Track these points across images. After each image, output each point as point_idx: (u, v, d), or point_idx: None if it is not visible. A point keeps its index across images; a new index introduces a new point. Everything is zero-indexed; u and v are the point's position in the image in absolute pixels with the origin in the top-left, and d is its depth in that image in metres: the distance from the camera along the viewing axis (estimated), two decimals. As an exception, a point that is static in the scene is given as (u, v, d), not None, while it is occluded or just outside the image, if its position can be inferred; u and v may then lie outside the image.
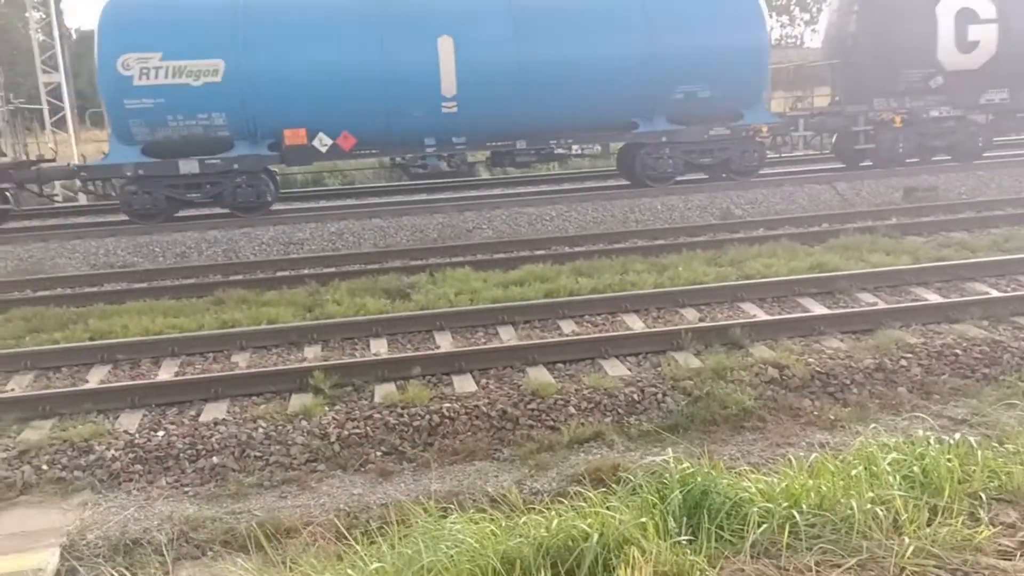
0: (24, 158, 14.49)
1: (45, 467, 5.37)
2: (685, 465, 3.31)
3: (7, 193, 13.42)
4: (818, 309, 7.74)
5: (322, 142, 13.00)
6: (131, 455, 5.50)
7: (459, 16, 13.10)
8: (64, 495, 5.18)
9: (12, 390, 6.61)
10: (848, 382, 6.18)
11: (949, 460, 3.37)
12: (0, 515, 4.96)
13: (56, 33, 17.99)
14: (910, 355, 6.42)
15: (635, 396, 6.02)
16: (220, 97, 12.48)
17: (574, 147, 14.08)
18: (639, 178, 14.36)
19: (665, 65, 13.42)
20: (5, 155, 14.47)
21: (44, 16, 18.70)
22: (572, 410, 5.89)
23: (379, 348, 7.24)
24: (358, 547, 3.07)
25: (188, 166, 12.73)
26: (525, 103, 13.13)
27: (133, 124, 12.54)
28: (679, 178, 14.49)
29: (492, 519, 3.12)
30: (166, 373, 6.89)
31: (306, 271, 10.25)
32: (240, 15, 12.65)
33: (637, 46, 13.40)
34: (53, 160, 14.15)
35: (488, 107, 13.07)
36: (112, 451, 5.50)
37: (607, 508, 3.02)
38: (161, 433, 5.71)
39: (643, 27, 13.48)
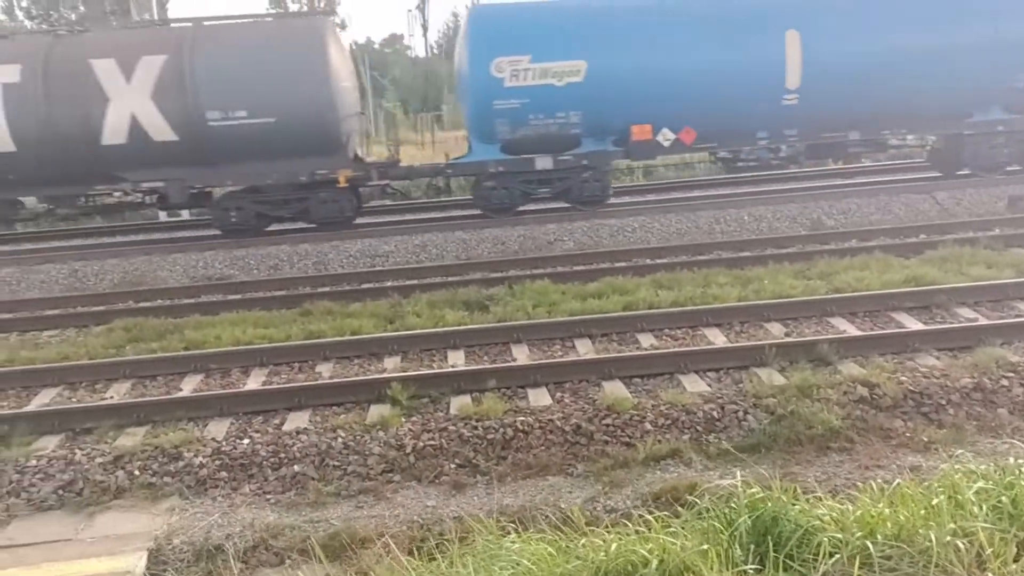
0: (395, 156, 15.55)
1: (137, 472, 5.63)
2: (754, 490, 3.20)
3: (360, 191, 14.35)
4: (913, 324, 7.40)
5: (665, 137, 13.60)
6: (217, 462, 5.70)
7: (806, 10, 13.51)
8: (154, 500, 5.41)
9: (111, 397, 6.97)
10: (944, 402, 5.87)
11: (1042, 491, 3.15)
12: (94, 518, 5.23)
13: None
14: (1012, 374, 6.05)
15: (715, 413, 5.87)
16: (579, 97, 13.19)
17: (908, 137, 14.54)
18: (969, 167, 14.40)
19: (1007, 52, 13.41)
20: (392, 153, 15.55)
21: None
22: (648, 426, 5.79)
23: (456, 360, 7.30)
24: (418, 563, 3.08)
25: (543, 162, 13.65)
26: (864, 93, 13.41)
27: (498, 124, 13.40)
28: (1008, 168, 14.46)
29: (552, 540, 3.08)
30: (254, 382, 7.13)
31: (389, 283, 10.44)
32: (601, 18, 13.44)
33: (980, 34, 13.45)
34: (399, 161, 15.24)
35: (828, 99, 13.39)
36: (200, 458, 5.72)
37: (671, 533, 2.94)
38: (246, 441, 5.90)
39: (986, 14, 13.51)
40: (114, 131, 12.58)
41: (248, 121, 12.71)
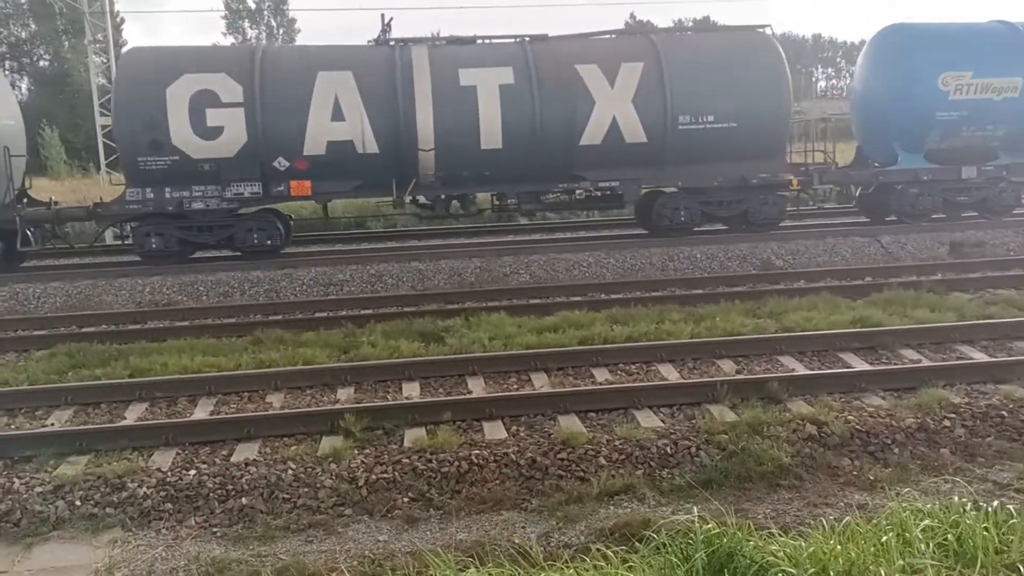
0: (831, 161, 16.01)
1: (79, 503, 5.43)
2: (711, 525, 3.22)
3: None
4: (859, 365, 7.58)
5: None
6: (162, 493, 5.53)
7: None
8: (95, 531, 5.22)
9: (52, 425, 6.75)
10: (889, 441, 5.99)
11: (986, 529, 3.23)
12: (32, 549, 5.03)
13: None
14: (954, 415, 6.22)
15: (668, 449, 5.90)
16: (1012, 111, 14.63)
17: None
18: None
19: None
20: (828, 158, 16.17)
21: (104, 61, 19.50)
22: (603, 461, 5.79)
23: (411, 392, 7.25)
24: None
25: (968, 172, 14.94)
26: None
27: (932, 134, 14.78)
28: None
29: (511, 574, 3.06)
30: (201, 412, 6.98)
31: (344, 312, 10.36)
32: None
33: None
34: (834, 164, 15.78)
35: None
36: (144, 489, 5.54)
37: (628, 568, 2.95)
38: (193, 472, 5.75)
39: None
40: (593, 132, 13.58)
41: (714, 126, 13.77)
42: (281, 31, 58.02)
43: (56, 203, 14.49)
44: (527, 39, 13.93)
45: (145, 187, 13.07)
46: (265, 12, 59.07)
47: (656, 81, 13.56)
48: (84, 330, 9.99)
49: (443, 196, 14.01)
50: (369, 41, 14.28)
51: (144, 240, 13.36)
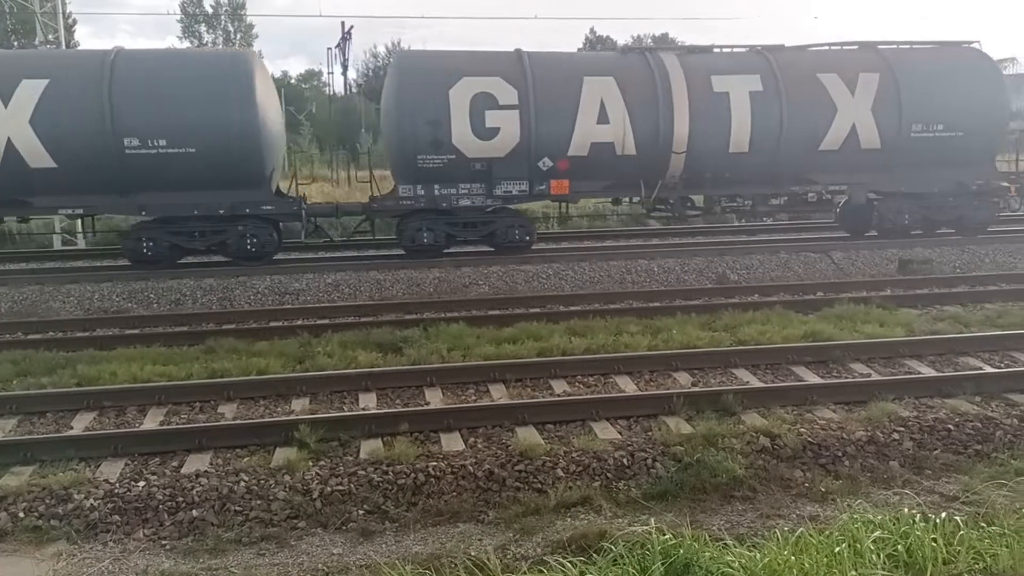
0: None
1: (22, 514, 5.26)
2: (667, 536, 3.24)
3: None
4: (811, 378, 7.72)
5: None
6: (110, 505, 5.39)
7: None
8: (39, 544, 5.06)
9: (-6, 434, 6.54)
10: (840, 454, 6.10)
11: (934, 540, 3.31)
12: (-29, 563, 4.86)
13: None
14: (902, 429, 6.36)
15: (625, 460, 5.93)
16: None
17: None
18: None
19: None
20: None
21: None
22: (560, 473, 5.80)
23: (368, 402, 7.18)
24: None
25: None
26: None
27: None
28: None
29: (468, 587, 3.04)
30: (151, 422, 6.82)
31: (299, 322, 10.23)
32: None
33: None
34: None
35: None
36: (91, 500, 5.40)
37: (586, 579, 2.95)
38: (142, 483, 5.61)
39: None
40: (833, 138, 14.21)
41: (943, 134, 14.54)
42: (239, 36, 57.35)
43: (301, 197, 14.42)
44: (763, 48, 14.75)
45: (417, 184, 13.68)
46: (222, 17, 58.35)
47: (892, 91, 14.30)
48: (30, 337, 9.72)
49: (682, 198, 14.89)
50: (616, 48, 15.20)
51: (415, 235, 13.90)
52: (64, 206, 13.13)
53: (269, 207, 13.48)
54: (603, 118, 13.62)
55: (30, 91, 12.21)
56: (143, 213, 13.18)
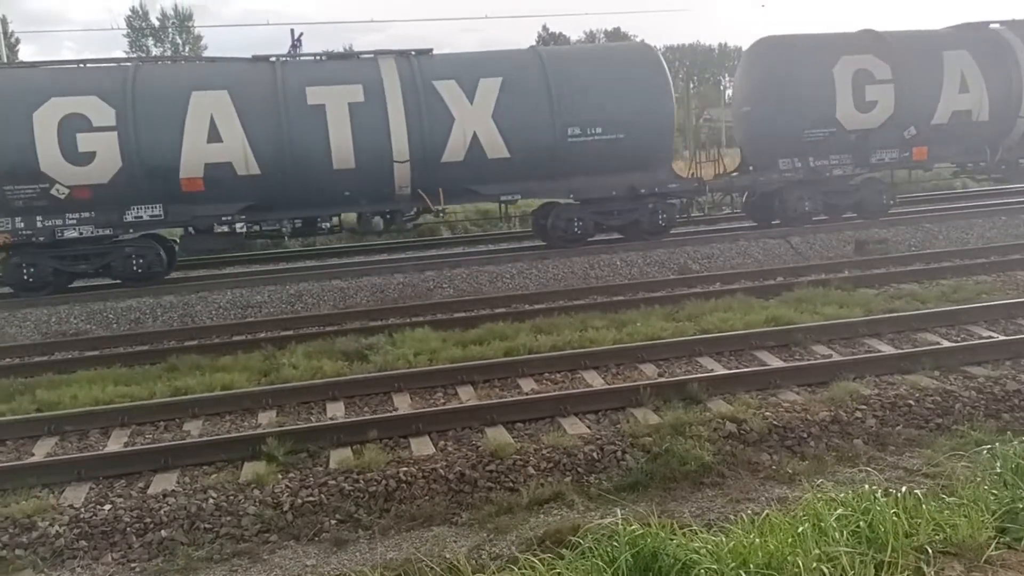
0: None
1: (-16, 546, 5.16)
2: (634, 527, 3.27)
3: None
4: (774, 362, 7.83)
5: None
6: (76, 531, 5.30)
7: None
8: (4, 574, 4.96)
9: (-48, 466, 6.38)
10: (805, 435, 6.20)
11: (895, 514, 3.38)
12: (-68, 600, 4.75)
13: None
14: (865, 407, 6.48)
15: (595, 455, 5.97)
16: None
17: None
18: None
19: None
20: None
21: None
22: (531, 471, 5.82)
23: (335, 412, 7.14)
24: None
25: None
26: None
27: None
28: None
29: (438, 590, 3.04)
30: (115, 444, 6.72)
31: (263, 335, 10.13)
32: None
33: None
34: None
35: None
36: (56, 527, 5.30)
37: (555, 574, 2.97)
38: (108, 507, 5.53)
39: None
40: None
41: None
42: (187, 48, 56.61)
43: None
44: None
45: (796, 157, 15.19)
46: (170, 29, 57.56)
47: None
48: (-15, 365, 9.50)
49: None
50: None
51: (797, 204, 15.28)
52: (506, 192, 13.96)
53: (673, 185, 14.64)
54: (964, 88, 15.37)
55: (489, 89, 13.36)
56: (571, 196, 14.29)
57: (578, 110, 13.59)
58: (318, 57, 14.52)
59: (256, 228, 13.32)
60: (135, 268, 13.06)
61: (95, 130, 12.22)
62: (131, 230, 12.95)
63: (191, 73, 13.57)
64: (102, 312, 11.71)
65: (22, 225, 12.46)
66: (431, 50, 14.02)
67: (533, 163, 13.56)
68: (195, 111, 12.42)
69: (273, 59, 13.44)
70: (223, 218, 12.95)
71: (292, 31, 16.98)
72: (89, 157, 12.26)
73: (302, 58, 14.67)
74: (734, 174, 16.26)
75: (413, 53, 13.73)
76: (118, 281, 13.30)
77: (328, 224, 13.67)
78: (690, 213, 15.87)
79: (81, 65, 13.25)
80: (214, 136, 12.46)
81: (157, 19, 57.68)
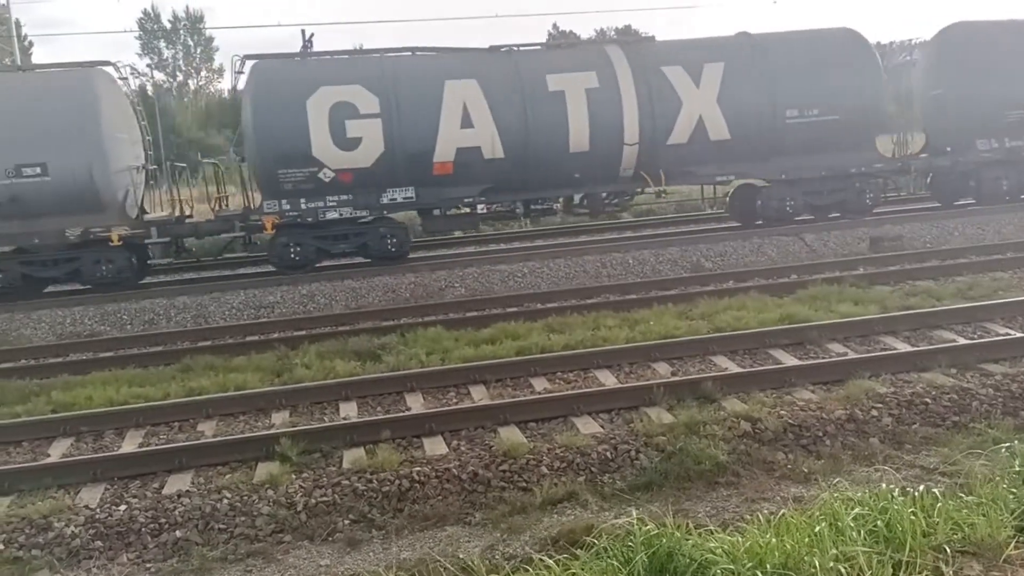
0: None
1: (1, 546, 5.18)
2: (650, 527, 3.25)
3: None
4: (789, 360, 7.77)
5: None
6: (91, 531, 5.32)
7: None
8: (21, 575, 4.99)
9: (-31, 466, 6.44)
10: (821, 434, 6.14)
11: (913, 513, 3.34)
12: (-50, 600, 4.78)
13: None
14: (881, 405, 6.42)
15: (608, 454, 5.94)
16: None
17: None
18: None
19: None
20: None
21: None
22: (545, 470, 5.80)
23: (348, 412, 7.15)
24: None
25: None
26: None
27: None
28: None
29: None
30: (129, 445, 6.75)
31: (276, 335, 10.16)
32: None
33: None
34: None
35: None
36: (72, 527, 5.33)
37: (570, 575, 2.95)
38: (123, 507, 5.55)
39: None
40: None
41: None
42: (199, 49, 56.89)
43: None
44: None
45: (992, 138, 15.61)
46: (181, 31, 57.85)
47: None
48: (2, 366, 9.56)
49: None
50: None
51: (995, 184, 15.75)
52: (721, 173, 14.73)
53: (879, 165, 15.13)
54: None
55: (713, 73, 14.10)
56: (782, 176, 14.80)
57: (797, 92, 14.37)
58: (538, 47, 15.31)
59: (492, 209, 14.34)
60: (389, 247, 13.90)
61: (362, 117, 13.08)
62: (384, 211, 13.93)
63: (442, 63, 14.11)
64: (116, 313, 11.78)
65: (288, 207, 13.31)
66: (653, 37, 15.11)
67: (751, 145, 14.35)
68: (449, 99, 13.29)
69: (509, 49, 14.28)
70: (465, 199, 13.96)
71: (303, 32, 17.01)
72: (355, 143, 13.12)
73: (527, 48, 15.00)
74: (923, 155, 16.40)
75: (636, 40, 14.77)
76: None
77: (557, 204, 14.79)
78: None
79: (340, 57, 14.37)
80: (466, 122, 13.34)
81: (168, 21, 57.99)
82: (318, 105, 12.91)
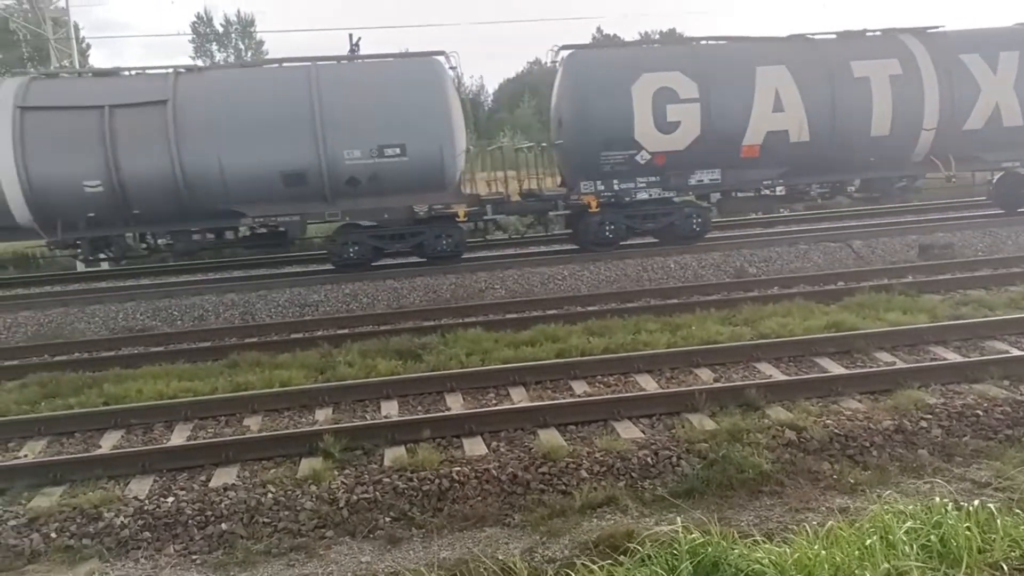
0: None
1: (54, 535, 5.33)
2: (695, 535, 3.22)
3: None
4: (836, 369, 7.64)
5: None
6: (140, 522, 5.44)
7: None
8: (72, 564, 5.12)
9: (25, 456, 6.62)
10: (868, 444, 6.03)
11: (968, 528, 3.25)
12: (6, 584, 4.92)
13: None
14: (930, 416, 6.28)
15: (649, 459, 5.90)
16: None
17: None
18: None
19: None
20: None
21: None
22: (584, 474, 5.78)
23: (389, 410, 7.20)
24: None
25: None
26: None
27: None
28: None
29: (496, 592, 3.04)
30: (178, 438, 6.88)
31: (319, 333, 10.28)
32: None
33: None
34: None
35: None
36: (121, 518, 5.45)
37: (614, 581, 2.93)
38: (171, 499, 5.66)
39: None
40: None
41: None
42: (250, 53, 57.76)
43: None
44: None
45: None
46: (232, 35, 58.80)
47: None
48: (56, 359, 9.83)
49: None
50: None
51: None
52: (1008, 159, 15.05)
53: None
54: None
55: (1009, 61, 14.49)
56: None
57: None
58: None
59: (788, 191, 14.78)
60: (694, 227, 14.53)
61: (681, 102, 13.74)
62: (690, 193, 14.55)
63: (753, 50, 14.50)
64: (167, 309, 12.02)
65: (602, 187, 14.10)
66: (943, 26, 15.28)
67: None
68: (762, 84, 13.85)
69: (812, 36, 14.72)
70: (765, 181, 14.49)
71: (350, 36, 17.19)
72: (674, 126, 13.81)
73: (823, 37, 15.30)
74: None
75: (930, 30, 14.95)
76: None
77: (852, 187, 15.12)
78: None
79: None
80: (777, 106, 13.89)
81: (221, 25, 58.98)
82: (642, 91, 13.66)
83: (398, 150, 13.02)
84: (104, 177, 12.34)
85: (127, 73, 13.59)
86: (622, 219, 14.30)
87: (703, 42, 14.79)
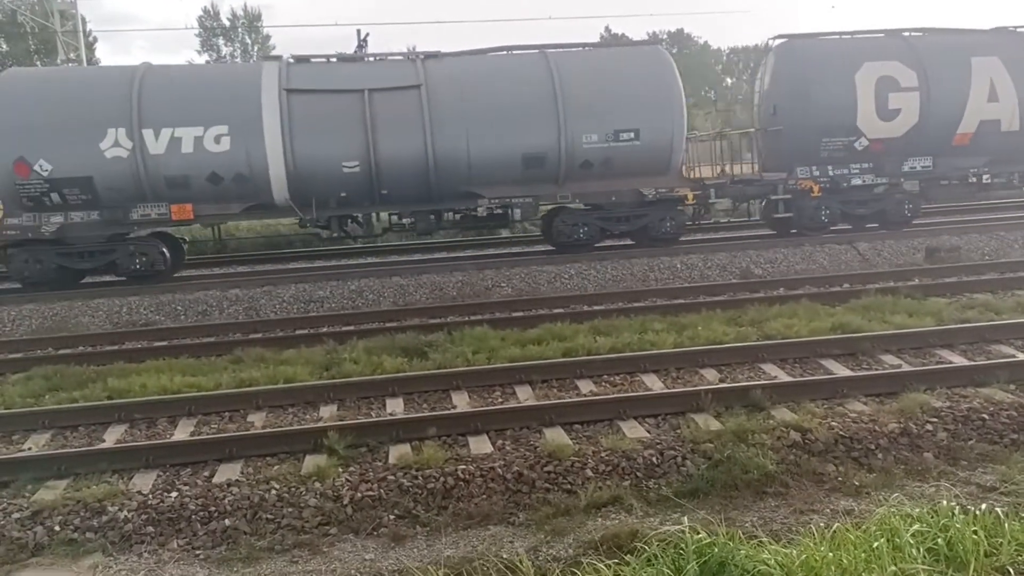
0: None
1: (57, 528, 5.33)
2: (701, 535, 3.21)
3: None
4: (841, 371, 7.62)
5: None
6: (143, 516, 5.44)
7: None
8: (75, 557, 5.12)
9: (29, 449, 6.63)
10: (873, 447, 6.01)
11: (975, 532, 3.24)
12: (9, 577, 4.92)
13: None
14: (936, 419, 6.26)
15: (654, 459, 5.89)
16: None
17: None
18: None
19: None
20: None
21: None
22: (589, 473, 5.77)
23: (395, 408, 7.20)
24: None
25: None
26: None
27: None
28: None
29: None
30: (182, 433, 6.88)
31: (325, 329, 10.28)
32: None
33: None
34: None
35: None
36: (125, 512, 5.45)
37: (621, 580, 2.92)
38: (174, 494, 5.66)
39: None
40: None
41: None
42: (256, 47, 57.84)
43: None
44: None
45: None
46: (239, 29, 58.88)
47: None
48: (60, 352, 9.84)
49: None
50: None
51: None
52: None
53: None
54: None
55: None
56: None
57: None
58: None
59: (994, 179, 15.24)
60: (906, 213, 15.01)
61: (902, 90, 14.36)
62: (901, 179, 14.99)
63: (965, 41, 15.11)
64: (171, 304, 12.03)
65: (817, 173, 14.66)
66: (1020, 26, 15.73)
67: None
68: (977, 74, 14.40)
69: (1014, 29, 15.33)
70: (972, 169, 14.99)
71: (358, 32, 17.21)
72: (895, 114, 14.42)
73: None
74: None
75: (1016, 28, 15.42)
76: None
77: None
78: None
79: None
80: (992, 96, 14.50)
81: (227, 19, 59.06)
82: (865, 79, 14.19)
83: (632, 135, 13.45)
84: (362, 158, 12.83)
85: (370, 59, 14.17)
86: (837, 204, 14.69)
87: (914, 34, 15.22)
